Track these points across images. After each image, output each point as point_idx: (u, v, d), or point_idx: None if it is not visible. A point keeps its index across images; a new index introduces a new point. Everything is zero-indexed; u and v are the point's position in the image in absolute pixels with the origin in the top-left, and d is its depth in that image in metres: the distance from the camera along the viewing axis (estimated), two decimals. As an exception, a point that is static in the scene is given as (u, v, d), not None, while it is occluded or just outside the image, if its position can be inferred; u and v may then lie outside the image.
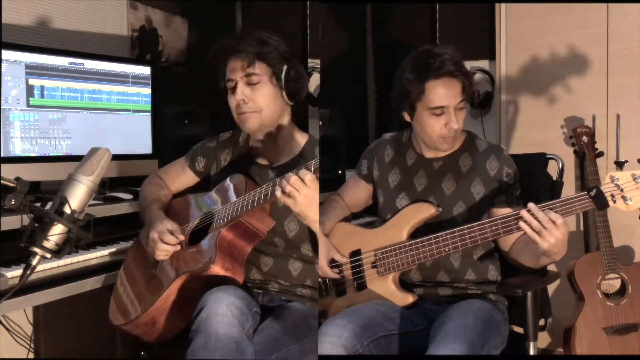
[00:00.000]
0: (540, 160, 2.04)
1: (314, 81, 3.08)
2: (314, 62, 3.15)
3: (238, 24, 3.32)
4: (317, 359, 1.54)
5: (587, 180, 2.57)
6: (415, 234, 1.78)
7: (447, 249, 1.69)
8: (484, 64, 3.21)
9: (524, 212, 1.54)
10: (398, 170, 1.88)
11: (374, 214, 2.07)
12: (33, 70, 2.07)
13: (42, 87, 2.10)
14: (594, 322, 2.48)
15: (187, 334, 1.51)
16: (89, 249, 1.88)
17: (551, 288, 2.28)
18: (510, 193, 1.78)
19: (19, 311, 2.22)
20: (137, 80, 2.41)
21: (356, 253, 1.84)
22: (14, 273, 1.63)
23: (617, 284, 2.52)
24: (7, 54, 1.99)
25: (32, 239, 1.24)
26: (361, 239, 1.85)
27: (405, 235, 1.78)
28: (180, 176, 1.96)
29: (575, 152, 2.65)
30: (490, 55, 3.12)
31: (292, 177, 1.47)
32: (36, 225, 1.25)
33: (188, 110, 2.95)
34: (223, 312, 1.45)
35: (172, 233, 1.67)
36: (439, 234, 1.70)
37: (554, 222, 1.50)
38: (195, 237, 1.72)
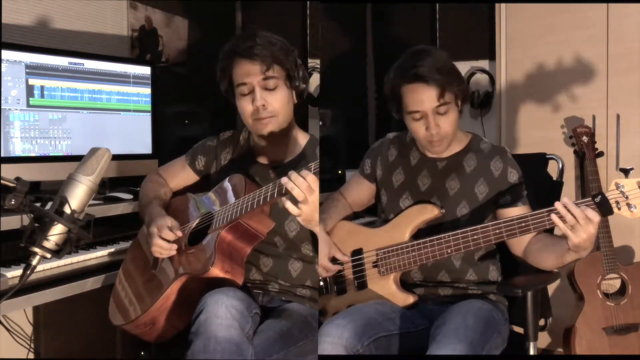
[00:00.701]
0: (540, 160, 2.04)
1: (314, 81, 3.08)
2: (314, 62, 3.15)
3: (238, 24, 3.32)
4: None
5: (587, 180, 2.57)
6: (418, 233, 1.78)
7: (449, 251, 1.69)
8: (484, 64, 3.21)
9: (559, 206, 1.50)
10: (402, 169, 1.88)
11: (374, 214, 2.07)
12: (33, 70, 2.07)
13: (42, 87, 2.10)
14: (594, 322, 2.48)
15: (186, 334, 1.50)
16: (89, 249, 1.89)
17: (551, 288, 2.28)
18: (517, 193, 1.77)
19: (19, 311, 2.21)
20: (137, 80, 2.40)
21: (358, 252, 1.84)
22: (14, 273, 1.64)
23: (617, 284, 2.53)
24: (7, 54, 1.99)
25: (32, 239, 1.24)
26: (363, 238, 1.85)
27: (408, 236, 1.77)
28: (180, 174, 1.96)
29: (575, 152, 2.65)
30: (490, 55, 3.12)
31: (303, 184, 1.42)
32: (36, 225, 1.25)
33: (188, 110, 2.95)
34: (222, 314, 1.45)
35: (171, 229, 1.67)
36: (442, 235, 1.70)
37: (590, 220, 1.48)
38: (195, 237, 1.72)
